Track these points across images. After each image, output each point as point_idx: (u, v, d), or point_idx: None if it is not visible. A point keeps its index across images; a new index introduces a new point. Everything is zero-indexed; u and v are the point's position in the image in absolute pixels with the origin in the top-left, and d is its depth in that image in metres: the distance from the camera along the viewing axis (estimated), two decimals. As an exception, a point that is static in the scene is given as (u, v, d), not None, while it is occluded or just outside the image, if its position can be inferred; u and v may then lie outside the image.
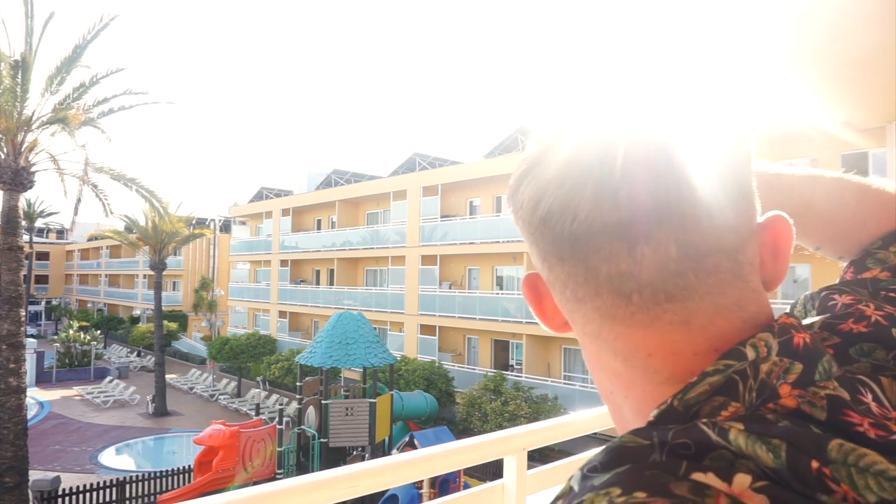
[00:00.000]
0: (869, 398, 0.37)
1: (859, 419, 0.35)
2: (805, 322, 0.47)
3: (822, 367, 0.38)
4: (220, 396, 26.32)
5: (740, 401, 0.36)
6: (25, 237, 23.36)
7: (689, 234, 0.37)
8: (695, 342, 0.38)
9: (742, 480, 0.30)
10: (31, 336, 33.83)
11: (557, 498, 0.36)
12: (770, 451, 0.31)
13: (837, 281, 0.61)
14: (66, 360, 31.99)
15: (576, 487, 0.34)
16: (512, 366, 21.54)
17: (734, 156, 0.40)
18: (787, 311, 0.43)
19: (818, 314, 0.50)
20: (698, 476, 0.31)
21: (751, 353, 0.37)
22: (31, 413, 22.54)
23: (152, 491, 14.42)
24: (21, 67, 12.06)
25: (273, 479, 11.76)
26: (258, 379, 26.05)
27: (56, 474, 14.60)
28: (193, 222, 30.93)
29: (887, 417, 0.36)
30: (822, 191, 0.66)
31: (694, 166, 0.37)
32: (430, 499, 10.73)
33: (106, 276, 50.78)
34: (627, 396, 0.41)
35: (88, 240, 53.48)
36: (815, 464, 0.31)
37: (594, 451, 0.38)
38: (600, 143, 0.38)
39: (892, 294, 0.50)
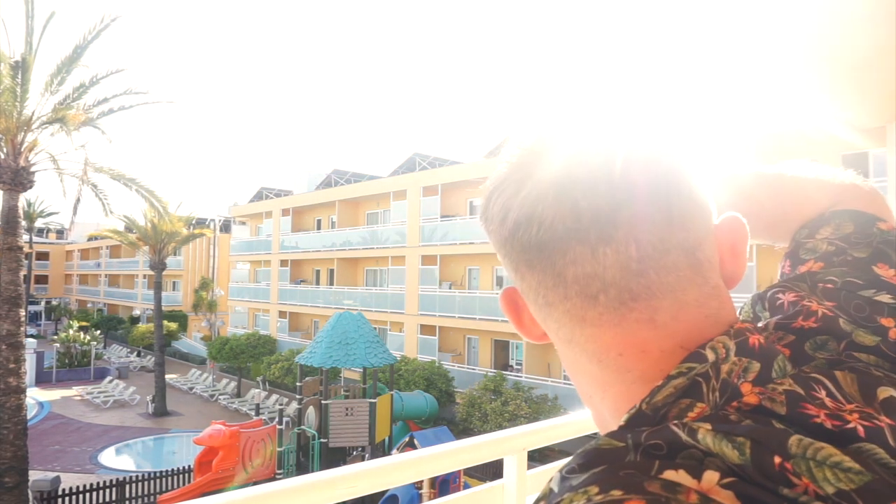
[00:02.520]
0: (823, 394, 0.38)
1: (816, 411, 0.36)
2: (760, 324, 0.50)
3: (777, 365, 0.40)
4: (220, 396, 26.31)
5: (705, 401, 0.37)
6: (25, 237, 23.35)
7: (646, 233, 0.39)
8: (661, 339, 0.40)
9: (710, 477, 0.32)
10: (31, 336, 33.81)
11: (539, 500, 0.37)
12: (735, 448, 0.33)
13: (778, 276, 0.62)
14: (66, 360, 31.98)
15: (555, 488, 0.35)
16: (512, 366, 21.54)
17: (685, 156, 0.42)
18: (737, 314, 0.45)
19: (770, 314, 0.52)
20: (670, 474, 0.32)
21: (710, 356, 0.39)
22: (30, 413, 22.53)
23: (152, 491, 14.41)
24: (21, 68, 12.06)
25: (273, 479, 11.76)
26: (258, 379, 26.05)
27: (56, 474, 14.60)
28: (193, 222, 30.92)
29: (841, 409, 0.37)
30: (739, 190, 0.67)
31: (646, 169, 0.40)
32: (430, 499, 10.73)
33: (106, 276, 50.79)
34: (604, 398, 0.43)
35: (88, 240, 53.45)
36: (777, 459, 0.32)
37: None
38: (559, 156, 0.41)
39: (829, 286, 0.52)
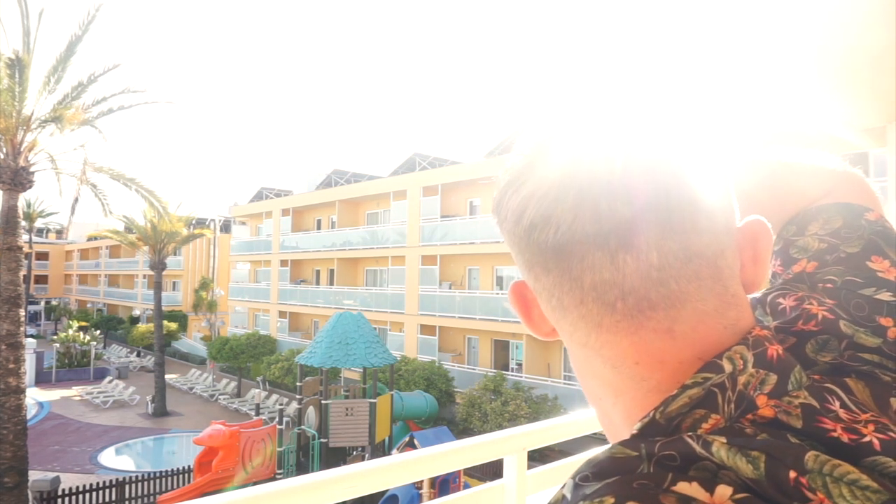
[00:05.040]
0: (837, 405, 0.38)
1: (832, 425, 0.36)
2: None
3: (794, 377, 0.39)
4: (220, 396, 26.31)
5: (720, 413, 0.37)
6: (25, 237, 23.35)
7: (668, 241, 0.38)
8: (679, 350, 0.39)
9: (723, 491, 0.32)
10: (31, 336, 33.79)
11: None
12: (750, 462, 0.33)
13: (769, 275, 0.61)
14: (66, 360, 31.96)
15: (568, 496, 0.35)
16: (512, 366, 21.54)
17: (710, 161, 0.41)
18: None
19: (773, 319, 0.51)
20: (683, 486, 0.32)
21: (727, 366, 0.38)
22: (30, 413, 22.51)
23: (152, 491, 14.41)
24: (18, 66, 12.05)
25: (273, 479, 11.75)
26: (258, 379, 26.04)
27: (56, 474, 14.59)
28: (193, 222, 30.92)
29: (856, 421, 0.37)
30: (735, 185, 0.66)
31: (671, 175, 0.39)
32: (430, 499, 10.73)
33: (105, 276, 50.75)
34: (616, 403, 0.42)
35: (88, 240, 53.41)
36: (792, 474, 0.32)
37: (590, 454, 0.39)
38: (581, 155, 0.39)
39: (829, 285, 0.51)
